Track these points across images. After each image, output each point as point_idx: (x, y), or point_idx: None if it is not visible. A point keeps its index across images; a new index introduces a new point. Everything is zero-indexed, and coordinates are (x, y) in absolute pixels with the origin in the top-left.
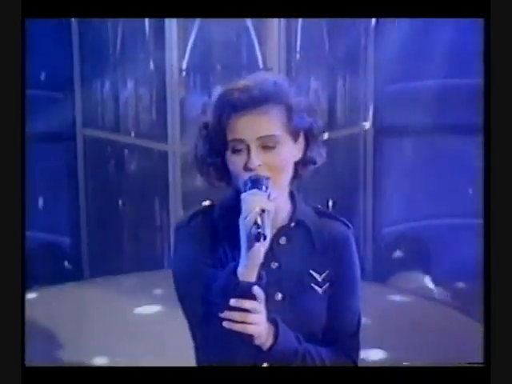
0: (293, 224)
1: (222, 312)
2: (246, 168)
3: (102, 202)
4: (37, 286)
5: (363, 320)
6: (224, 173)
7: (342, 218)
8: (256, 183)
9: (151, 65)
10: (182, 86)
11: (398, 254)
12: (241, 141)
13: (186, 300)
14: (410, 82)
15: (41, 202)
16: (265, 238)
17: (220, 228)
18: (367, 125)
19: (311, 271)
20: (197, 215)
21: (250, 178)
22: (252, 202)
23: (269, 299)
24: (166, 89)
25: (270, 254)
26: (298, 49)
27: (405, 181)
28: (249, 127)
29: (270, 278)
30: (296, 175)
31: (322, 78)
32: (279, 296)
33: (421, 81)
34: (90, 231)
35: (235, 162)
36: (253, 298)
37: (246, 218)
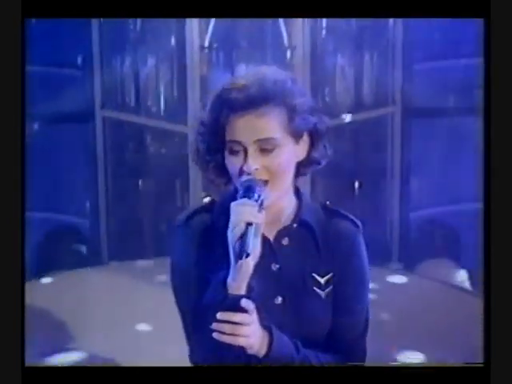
0: (295, 225)
1: (212, 321)
2: (242, 172)
3: (122, 184)
4: (54, 271)
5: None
6: (223, 170)
7: (351, 217)
8: (248, 190)
9: (172, 42)
10: (204, 64)
11: (425, 239)
12: (238, 143)
13: (179, 296)
14: (440, 61)
15: (59, 183)
16: (247, 256)
17: (218, 228)
18: (392, 109)
19: (313, 274)
20: (195, 214)
21: (242, 184)
22: (239, 214)
23: (268, 302)
24: (187, 69)
25: (271, 255)
26: (323, 25)
27: (433, 164)
28: (246, 129)
29: (269, 281)
30: (299, 174)
31: (348, 55)
32: (279, 299)
33: (450, 60)
34: (108, 214)
35: (233, 162)
36: (242, 310)
37: (232, 230)
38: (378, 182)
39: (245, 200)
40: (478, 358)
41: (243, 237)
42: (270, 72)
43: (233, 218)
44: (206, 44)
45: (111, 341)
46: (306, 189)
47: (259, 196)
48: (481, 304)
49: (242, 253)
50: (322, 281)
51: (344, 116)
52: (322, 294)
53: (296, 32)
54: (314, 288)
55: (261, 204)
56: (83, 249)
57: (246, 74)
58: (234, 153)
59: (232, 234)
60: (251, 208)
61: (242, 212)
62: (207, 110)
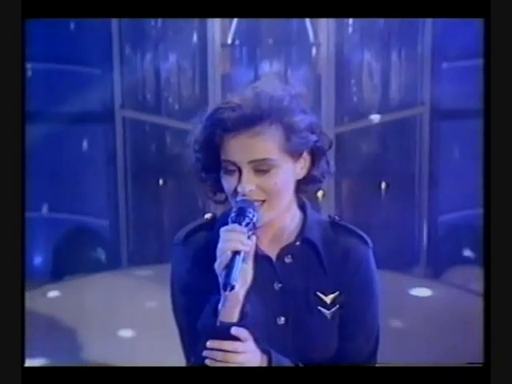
0: (298, 242)
1: (205, 347)
2: (236, 192)
3: (142, 185)
4: (71, 275)
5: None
6: (221, 187)
7: (360, 233)
8: (240, 214)
9: (194, 39)
10: (227, 62)
11: (454, 244)
12: (232, 163)
13: (177, 317)
14: (470, 60)
15: (79, 184)
16: (232, 289)
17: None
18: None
19: (318, 293)
20: (194, 232)
21: (236, 204)
22: (226, 242)
23: (270, 323)
24: (208, 67)
25: (273, 274)
26: (349, 22)
27: (463, 166)
28: (240, 150)
29: (272, 300)
30: (300, 191)
31: (375, 53)
32: (282, 320)
33: (481, 59)
34: (128, 216)
35: (228, 182)
36: (235, 337)
37: (219, 257)
38: (405, 184)
39: (234, 226)
40: (478, 358)
41: (229, 266)
42: (268, 88)
43: (220, 244)
44: (229, 41)
45: (123, 348)
46: (330, 190)
47: (251, 219)
48: (481, 304)
49: (226, 285)
50: (328, 300)
51: (371, 116)
52: (328, 313)
53: (321, 29)
54: (319, 307)
55: (252, 228)
56: (102, 251)
57: (244, 90)
58: (228, 172)
59: (219, 261)
60: (240, 235)
61: (229, 239)
62: (200, 128)
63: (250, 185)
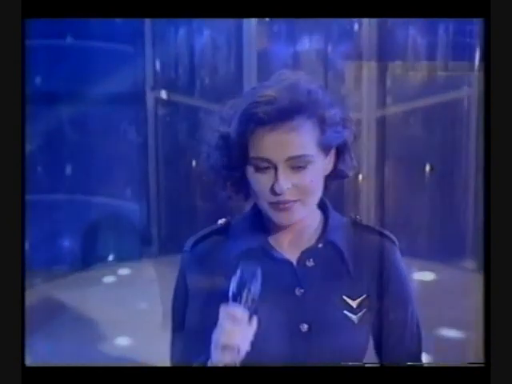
0: (321, 245)
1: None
2: (274, 192)
3: (175, 167)
4: (97, 263)
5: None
6: (242, 187)
7: (386, 232)
8: (243, 284)
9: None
10: (264, 37)
11: None
12: (267, 160)
13: (173, 322)
14: None
15: (109, 167)
16: None
17: (230, 258)
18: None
19: (344, 297)
20: (204, 239)
21: (236, 275)
22: (225, 334)
23: (292, 331)
24: (243, 44)
25: (295, 279)
26: None
27: None
28: (277, 146)
29: (293, 307)
30: (325, 188)
31: (420, 28)
32: (305, 327)
33: None
34: (160, 200)
35: (260, 181)
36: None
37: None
38: (450, 171)
39: (236, 311)
40: (478, 358)
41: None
42: (304, 80)
43: (221, 322)
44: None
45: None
46: (370, 175)
47: (253, 292)
48: (481, 303)
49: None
50: (354, 304)
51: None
52: (355, 318)
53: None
54: (345, 312)
55: (254, 299)
56: (131, 237)
57: (275, 82)
58: (260, 170)
59: (217, 337)
60: (241, 327)
61: (229, 331)
62: (233, 124)
63: (287, 183)
